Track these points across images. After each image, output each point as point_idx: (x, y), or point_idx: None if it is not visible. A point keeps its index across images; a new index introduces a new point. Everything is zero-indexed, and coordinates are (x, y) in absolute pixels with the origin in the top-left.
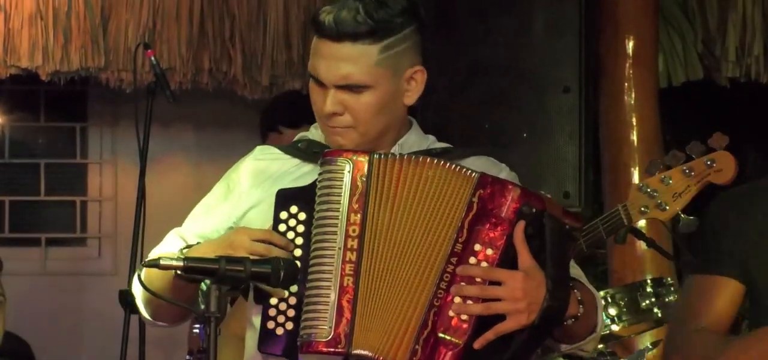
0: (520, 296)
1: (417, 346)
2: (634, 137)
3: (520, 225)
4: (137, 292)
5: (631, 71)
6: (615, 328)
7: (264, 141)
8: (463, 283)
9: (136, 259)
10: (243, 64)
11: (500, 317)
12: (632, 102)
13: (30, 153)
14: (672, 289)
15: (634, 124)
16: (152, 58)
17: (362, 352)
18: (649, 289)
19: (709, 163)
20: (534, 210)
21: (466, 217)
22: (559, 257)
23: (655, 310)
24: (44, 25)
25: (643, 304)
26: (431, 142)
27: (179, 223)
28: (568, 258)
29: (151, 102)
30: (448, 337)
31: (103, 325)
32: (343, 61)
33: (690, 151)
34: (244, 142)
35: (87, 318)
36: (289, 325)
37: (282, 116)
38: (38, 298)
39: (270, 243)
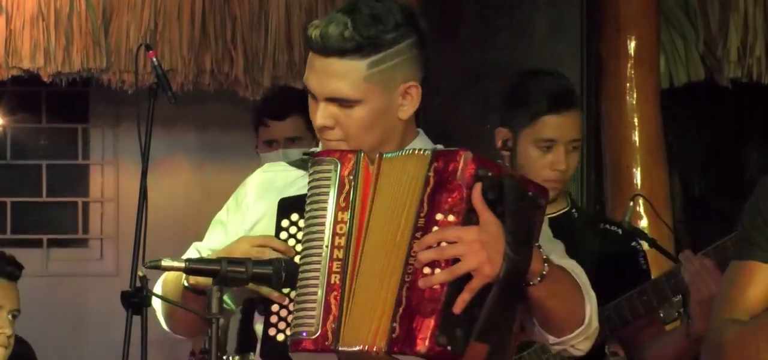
0: (477, 248)
1: (395, 325)
2: (636, 138)
3: (478, 186)
4: (157, 304)
5: (632, 72)
6: None
7: (257, 137)
8: (421, 252)
9: (137, 260)
10: (244, 65)
11: (470, 278)
12: (634, 102)
13: (32, 154)
14: None
15: (636, 124)
16: (154, 59)
17: (349, 348)
18: None
19: None
20: (490, 173)
21: (424, 192)
22: (520, 217)
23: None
24: (46, 27)
25: None
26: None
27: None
28: (531, 219)
29: (152, 103)
30: (422, 308)
31: (105, 327)
32: (331, 76)
33: None
34: (246, 143)
35: (89, 319)
36: (290, 332)
37: (268, 110)
38: (40, 299)
39: (269, 247)
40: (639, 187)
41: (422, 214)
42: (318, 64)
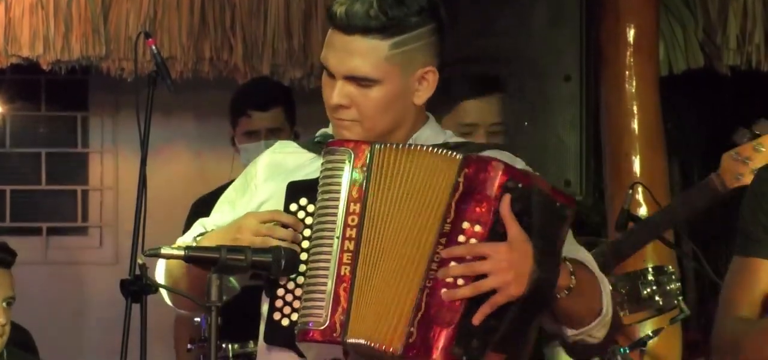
0: (505, 267)
1: (412, 329)
2: (635, 125)
3: (506, 198)
4: (160, 277)
5: (631, 59)
6: None
7: (234, 128)
8: (451, 264)
9: (137, 248)
10: (244, 52)
11: (493, 291)
12: (633, 90)
13: (31, 142)
14: (673, 277)
15: (635, 112)
16: (153, 47)
17: (357, 340)
18: (650, 278)
19: None
20: (520, 185)
21: (452, 197)
22: (547, 230)
23: (657, 298)
24: (45, 14)
25: (645, 292)
26: (449, 137)
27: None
28: (557, 232)
29: (151, 91)
30: (441, 317)
31: (104, 315)
32: (352, 54)
33: None
34: None
35: (88, 307)
36: (295, 317)
37: (251, 100)
38: (39, 288)
39: (277, 222)
40: (638, 174)
41: (449, 220)
42: (339, 41)
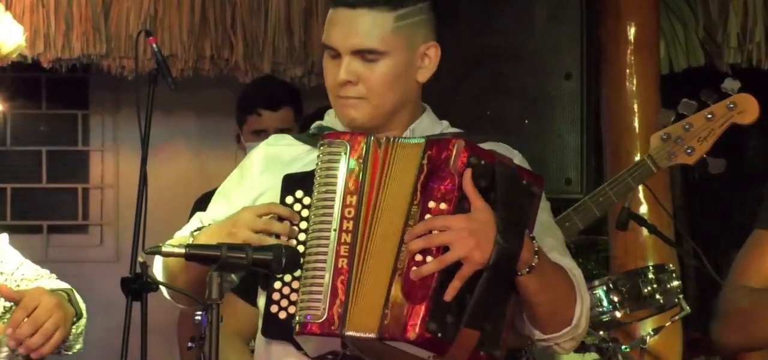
0: (465, 235)
1: (386, 311)
2: (636, 123)
3: (468, 173)
4: (158, 272)
5: (632, 58)
6: (617, 314)
7: (241, 126)
8: (411, 242)
9: (137, 246)
10: (244, 51)
11: (461, 265)
12: (634, 88)
13: (32, 140)
14: (674, 275)
15: (636, 110)
16: (154, 46)
17: (355, 333)
18: (650, 276)
19: (730, 106)
20: (483, 161)
21: (418, 179)
22: (513, 204)
23: (657, 296)
24: (46, 13)
25: (645, 290)
26: (445, 127)
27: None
28: (523, 206)
29: (152, 89)
30: (413, 295)
31: (104, 313)
32: (359, 27)
33: (703, 97)
34: None
35: (88, 305)
36: (292, 310)
37: (261, 99)
38: None
39: (274, 214)
40: None
41: (415, 202)
42: (343, 17)
